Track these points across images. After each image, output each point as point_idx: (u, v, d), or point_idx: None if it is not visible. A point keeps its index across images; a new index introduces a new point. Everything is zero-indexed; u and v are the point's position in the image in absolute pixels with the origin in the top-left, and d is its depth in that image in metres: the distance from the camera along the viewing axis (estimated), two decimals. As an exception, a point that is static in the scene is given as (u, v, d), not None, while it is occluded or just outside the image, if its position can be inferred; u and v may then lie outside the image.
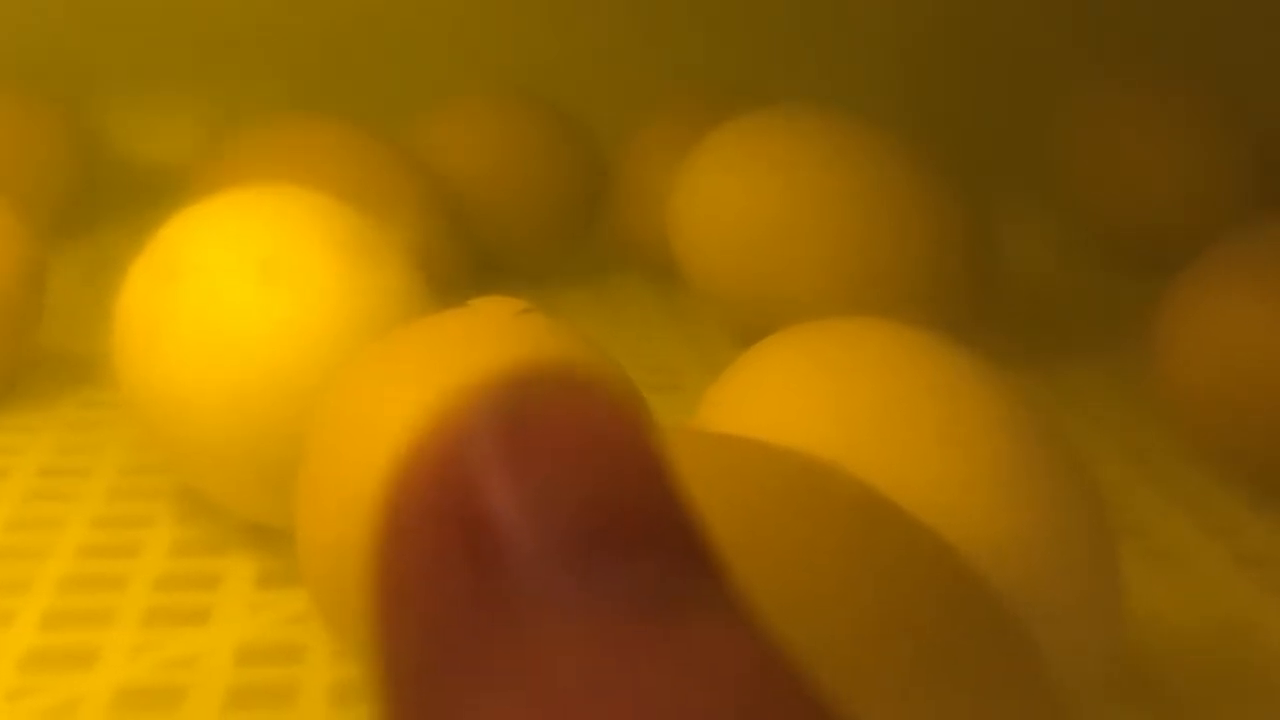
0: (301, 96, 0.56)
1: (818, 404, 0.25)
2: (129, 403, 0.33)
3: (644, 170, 0.50)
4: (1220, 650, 0.30)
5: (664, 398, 0.29)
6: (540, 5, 0.62)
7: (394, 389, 0.26)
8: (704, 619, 0.12)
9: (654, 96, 0.53)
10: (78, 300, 0.38)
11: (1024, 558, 0.23)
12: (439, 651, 0.12)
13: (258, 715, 0.27)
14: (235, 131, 0.47)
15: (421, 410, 0.27)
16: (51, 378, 0.41)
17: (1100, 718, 0.27)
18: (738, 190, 0.43)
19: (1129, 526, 0.35)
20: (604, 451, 0.12)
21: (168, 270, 0.31)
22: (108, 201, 0.55)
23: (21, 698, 0.27)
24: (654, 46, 0.62)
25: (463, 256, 0.47)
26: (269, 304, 0.30)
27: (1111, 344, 0.45)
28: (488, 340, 0.27)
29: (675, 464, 0.23)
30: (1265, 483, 0.36)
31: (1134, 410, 0.41)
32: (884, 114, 0.47)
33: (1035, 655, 0.22)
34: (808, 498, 0.21)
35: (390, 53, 0.61)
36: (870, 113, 0.46)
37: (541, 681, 0.11)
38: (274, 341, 0.30)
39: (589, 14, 0.62)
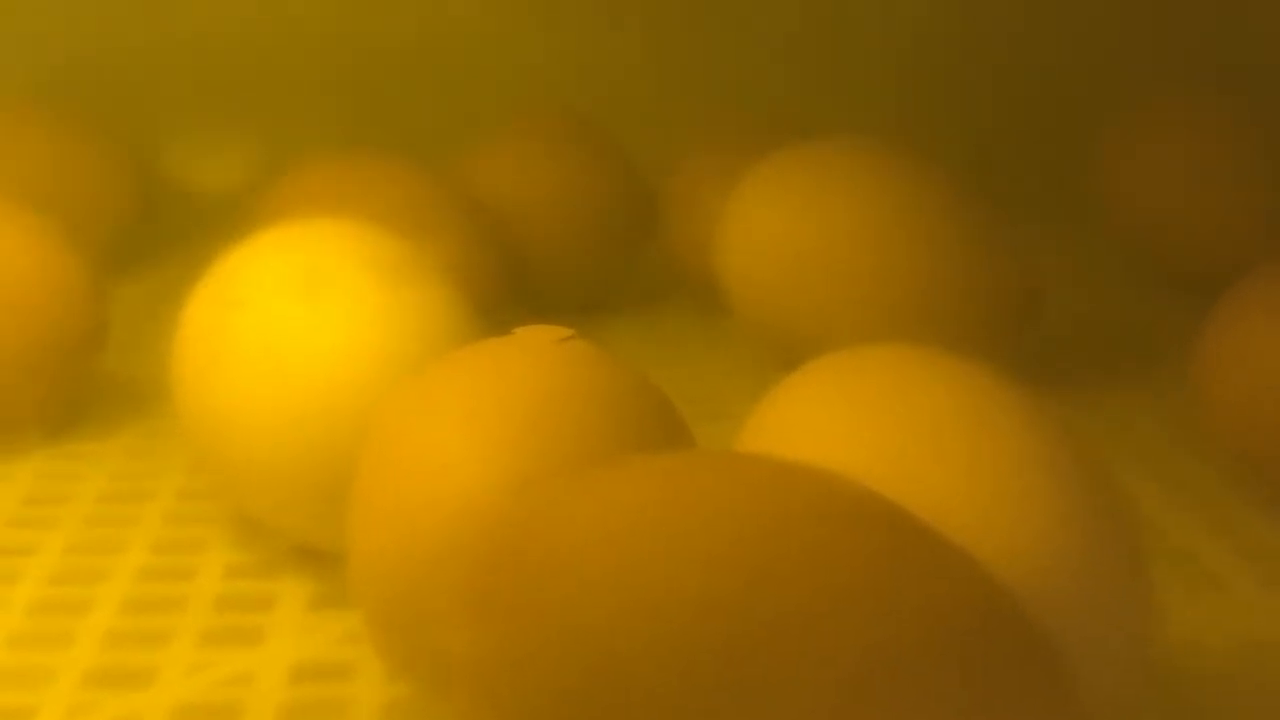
0: (353, 129, 0.57)
1: (853, 430, 0.26)
2: (186, 429, 0.34)
3: (691, 199, 0.51)
4: (1259, 673, 0.30)
5: (712, 426, 0.30)
6: (587, 35, 0.62)
7: (440, 416, 0.27)
8: None
9: (700, 126, 0.54)
10: (138, 329, 0.39)
11: (1055, 579, 0.23)
12: None
13: (310, 732, 0.28)
14: (289, 164, 0.47)
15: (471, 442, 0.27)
16: (113, 405, 0.42)
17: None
18: (782, 222, 0.44)
19: (1170, 551, 0.35)
20: None
21: (225, 300, 0.32)
22: (166, 232, 0.56)
23: (83, 713, 0.28)
24: (699, 75, 0.62)
25: (512, 286, 0.48)
26: (320, 331, 0.31)
27: (1152, 369, 0.45)
28: (533, 368, 0.27)
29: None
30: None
31: (1175, 435, 0.41)
32: (925, 143, 0.48)
33: (1066, 675, 0.22)
34: (839, 517, 0.22)
35: (440, 85, 0.61)
36: (912, 141, 0.46)
37: None
38: (325, 367, 0.31)
39: (635, 43, 0.62)
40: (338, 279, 0.32)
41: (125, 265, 0.52)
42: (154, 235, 0.56)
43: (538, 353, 0.28)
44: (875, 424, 0.26)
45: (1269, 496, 0.37)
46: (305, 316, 0.31)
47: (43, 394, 0.40)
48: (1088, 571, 0.24)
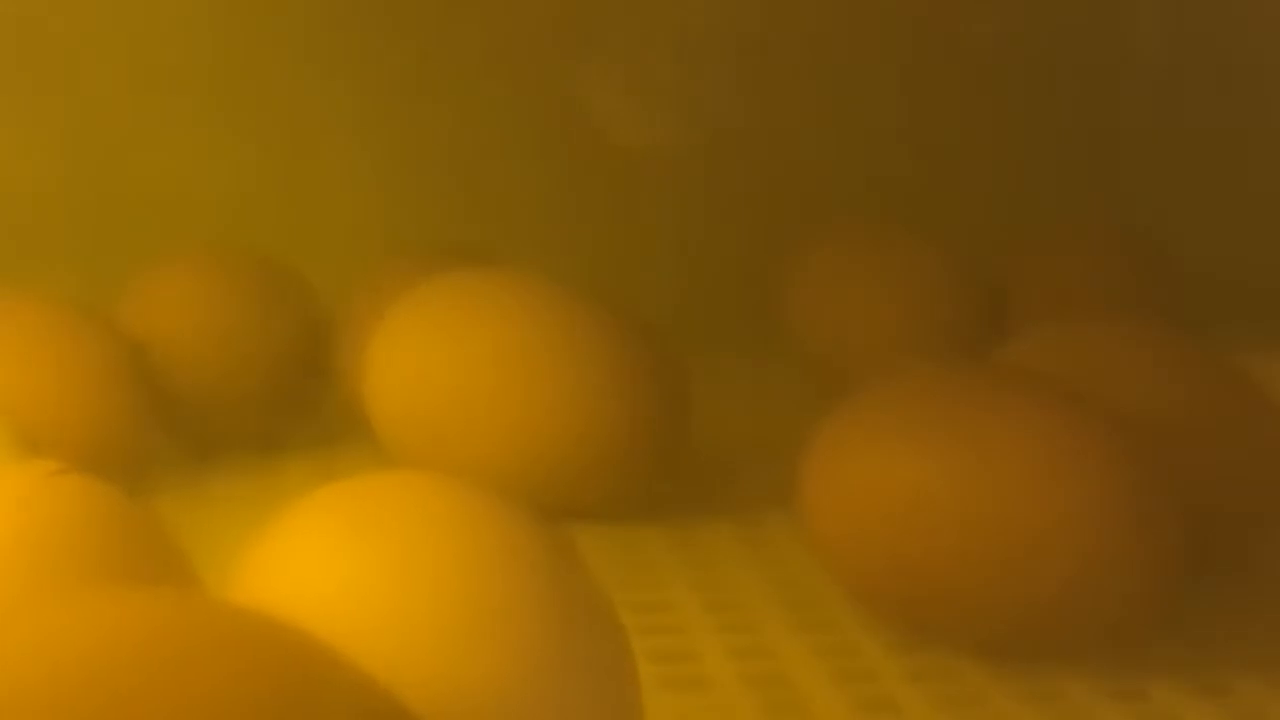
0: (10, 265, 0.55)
1: (336, 560, 0.25)
2: None
3: (362, 336, 0.50)
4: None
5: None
6: (267, 169, 0.62)
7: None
8: None
9: (377, 256, 0.53)
10: None
11: (499, 702, 0.22)
12: None
13: None
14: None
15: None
16: None
17: None
18: (418, 350, 0.43)
19: (767, 674, 0.34)
20: None
21: None
22: None
23: None
24: (381, 211, 0.62)
25: (169, 426, 0.47)
26: None
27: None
28: (16, 513, 0.26)
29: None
30: (900, 618, 0.36)
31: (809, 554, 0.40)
32: (607, 276, 0.48)
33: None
34: (218, 657, 0.20)
35: (110, 222, 0.60)
36: (594, 273, 0.46)
37: None
38: None
39: (318, 178, 0.62)
40: None
41: None
42: None
43: (24, 491, 0.26)
44: (355, 554, 0.25)
45: (875, 611, 0.37)
46: None
47: None
48: (543, 704, 0.23)
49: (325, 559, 0.25)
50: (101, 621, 0.21)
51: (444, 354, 0.43)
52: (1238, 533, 0.38)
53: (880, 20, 0.64)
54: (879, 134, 0.64)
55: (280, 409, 0.52)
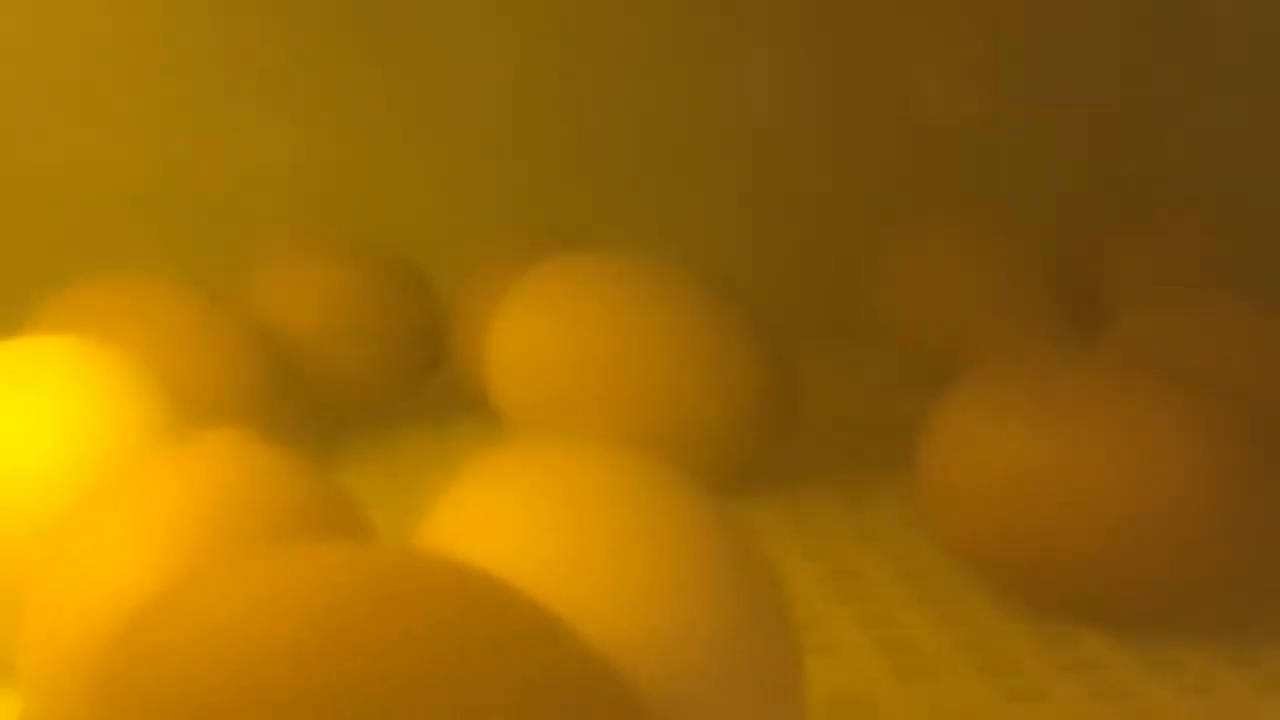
0: (144, 252, 0.57)
1: (520, 519, 0.26)
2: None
3: (475, 318, 0.51)
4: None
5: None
6: (379, 157, 0.63)
7: (114, 528, 0.26)
8: None
9: (489, 242, 0.55)
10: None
11: (679, 659, 0.23)
12: None
13: None
14: (63, 289, 0.47)
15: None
16: None
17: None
18: (542, 331, 0.44)
19: (889, 641, 0.35)
20: None
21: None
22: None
23: None
24: (491, 197, 0.63)
25: (300, 408, 0.48)
26: (15, 448, 0.31)
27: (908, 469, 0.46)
28: (202, 474, 0.27)
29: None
30: (1017, 589, 0.37)
31: (919, 529, 0.41)
32: (709, 261, 0.49)
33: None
34: (443, 601, 0.22)
35: (230, 210, 0.62)
36: (695, 258, 0.47)
37: None
38: (18, 484, 0.31)
39: (427, 166, 0.63)
40: (36, 396, 0.32)
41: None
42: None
43: (211, 456, 0.28)
44: (539, 514, 0.26)
45: (985, 580, 0.38)
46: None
47: None
48: (721, 661, 0.24)
49: (504, 521, 0.25)
50: (315, 571, 0.22)
51: (564, 333, 0.44)
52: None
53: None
54: (971, 119, 0.65)
55: (394, 386, 0.53)
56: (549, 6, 0.63)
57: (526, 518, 0.26)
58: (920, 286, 0.55)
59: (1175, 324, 0.40)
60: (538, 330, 0.44)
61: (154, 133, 0.62)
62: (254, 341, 0.47)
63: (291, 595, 0.21)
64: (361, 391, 0.52)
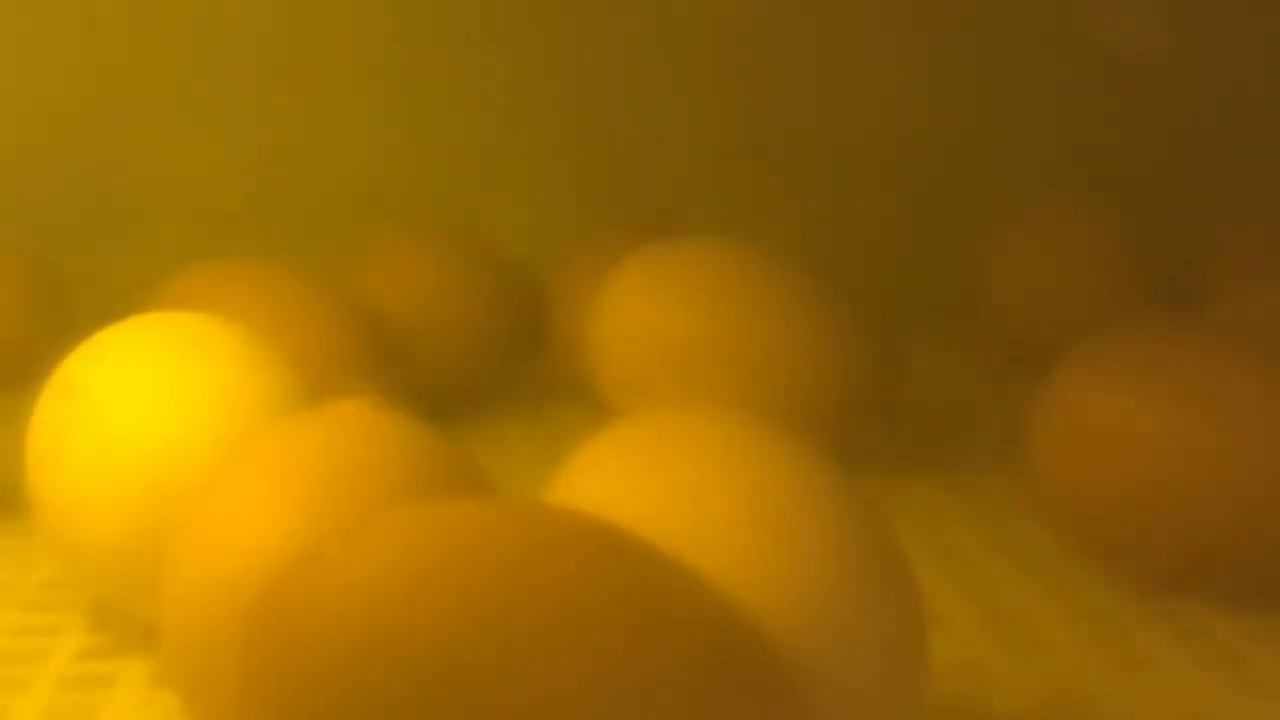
0: (259, 239, 0.58)
1: (648, 480, 0.26)
2: (38, 517, 0.34)
3: (573, 303, 0.52)
4: (1061, 717, 0.31)
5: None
6: (486, 151, 0.64)
7: (240, 489, 0.27)
8: None
9: (586, 231, 0.55)
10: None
11: (822, 620, 0.24)
12: None
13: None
14: (179, 274, 0.48)
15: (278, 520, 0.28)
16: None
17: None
18: (647, 312, 0.45)
19: (1000, 612, 0.36)
20: None
21: (66, 389, 0.33)
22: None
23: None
24: (588, 188, 0.64)
25: (397, 386, 0.49)
26: (151, 418, 0.32)
27: (1011, 446, 0.46)
28: (336, 437, 0.28)
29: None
30: (1125, 562, 0.37)
31: (1023, 507, 0.42)
32: (811, 246, 0.49)
33: (803, 706, 0.22)
34: (584, 553, 0.22)
35: (341, 200, 0.63)
36: (798, 245, 0.48)
37: None
38: (157, 452, 0.32)
39: (527, 159, 0.64)
40: (177, 368, 0.33)
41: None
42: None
43: (343, 421, 0.28)
44: (667, 475, 0.26)
45: (1097, 560, 0.38)
46: (137, 404, 0.32)
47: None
48: (852, 622, 0.24)
49: (631, 481, 0.26)
50: (451, 523, 0.23)
51: (668, 315, 0.44)
52: None
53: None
54: (1071, 108, 0.65)
55: (493, 372, 0.54)
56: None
57: (652, 478, 0.26)
58: (1022, 271, 0.55)
59: (1271, 306, 0.40)
60: (642, 313, 0.45)
61: (269, 132, 0.64)
62: (361, 325, 0.48)
63: (429, 547, 0.22)
64: (461, 377, 0.53)
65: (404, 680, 0.21)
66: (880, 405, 0.45)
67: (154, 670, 0.33)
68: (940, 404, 0.52)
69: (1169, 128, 0.65)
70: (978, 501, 0.43)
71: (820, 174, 0.65)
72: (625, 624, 0.21)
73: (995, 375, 0.55)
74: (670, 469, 0.26)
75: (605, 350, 0.46)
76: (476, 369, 0.53)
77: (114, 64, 0.63)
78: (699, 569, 0.23)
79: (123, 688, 0.32)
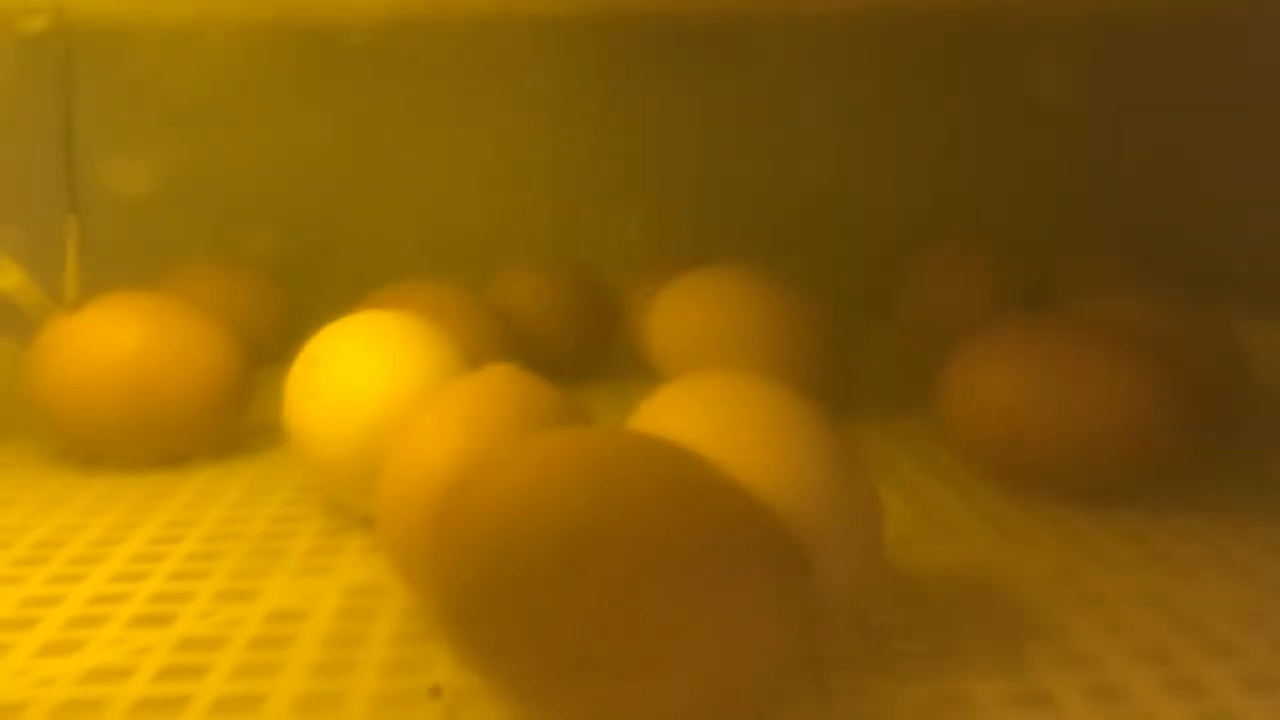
0: (431, 265, 0.58)
1: (701, 418, 0.26)
2: (293, 449, 0.35)
3: (641, 309, 0.52)
4: (963, 575, 0.31)
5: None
6: (583, 207, 0.64)
7: (425, 420, 0.28)
8: None
9: (647, 263, 0.56)
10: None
11: (814, 512, 0.24)
12: None
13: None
14: (380, 290, 0.49)
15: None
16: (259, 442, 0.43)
17: (869, 612, 0.28)
18: (689, 316, 0.45)
19: (921, 506, 0.36)
20: None
21: (310, 361, 0.34)
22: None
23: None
24: (649, 232, 0.64)
25: (525, 365, 0.49)
26: (371, 378, 0.32)
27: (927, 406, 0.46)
28: (488, 388, 0.28)
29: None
30: (1010, 478, 0.37)
31: (941, 442, 0.42)
32: (789, 271, 0.49)
33: (810, 568, 0.23)
34: (664, 465, 0.23)
35: (478, 237, 0.63)
36: (782, 270, 0.48)
37: None
38: (370, 402, 0.32)
39: (614, 213, 0.64)
40: (384, 347, 0.33)
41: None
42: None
43: (494, 379, 0.29)
44: (715, 415, 0.26)
45: (987, 471, 0.38)
46: (361, 369, 0.33)
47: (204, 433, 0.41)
48: (835, 509, 0.25)
49: (684, 421, 0.26)
50: (578, 442, 0.23)
51: (707, 318, 0.45)
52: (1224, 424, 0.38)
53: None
54: (969, 178, 0.64)
55: (583, 357, 0.54)
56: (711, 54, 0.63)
57: (699, 416, 0.26)
58: (935, 287, 0.55)
59: (1107, 306, 0.40)
60: (688, 317, 0.45)
61: (437, 193, 0.64)
62: (501, 324, 0.48)
63: (557, 458, 0.23)
64: (564, 359, 0.53)
65: (547, 539, 0.21)
66: (845, 376, 0.45)
67: (368, 544, 0.33)
68: (881, 378, 0.52)
69: (1034, 190, 0.65)
70: (909, 440, 0.43)
71: (803, 224, 0.64)
72: (685, 502, 0.22)
73: (918, 359, 0.55)
74: (711, 411, 0.26)
75: (659, 343, 0.46)
76: (574, 355, 0.54)
77: (333, 155, 0.64)
78: (733, 474, 0.23)
79: (348, 555, 0.33)
